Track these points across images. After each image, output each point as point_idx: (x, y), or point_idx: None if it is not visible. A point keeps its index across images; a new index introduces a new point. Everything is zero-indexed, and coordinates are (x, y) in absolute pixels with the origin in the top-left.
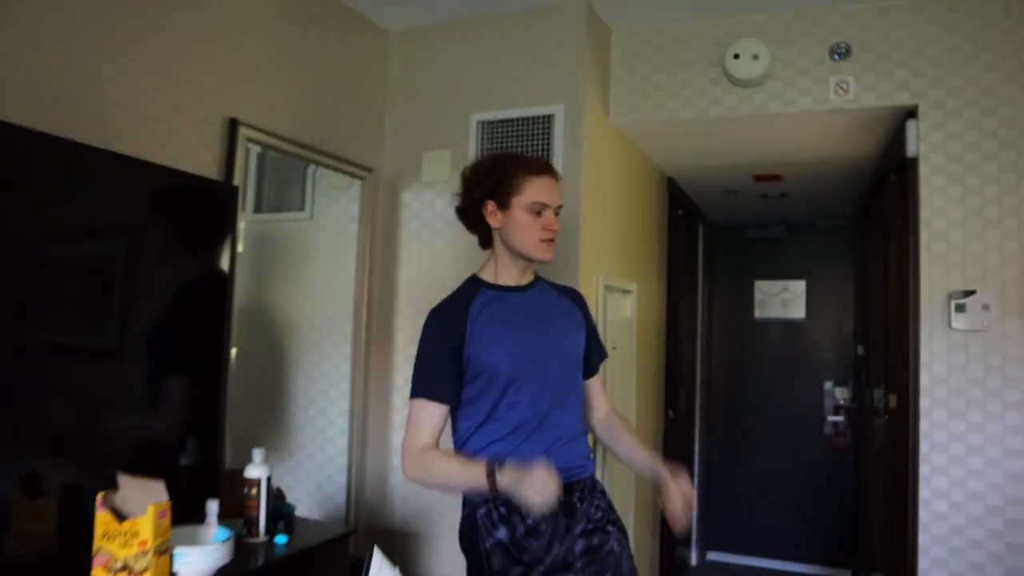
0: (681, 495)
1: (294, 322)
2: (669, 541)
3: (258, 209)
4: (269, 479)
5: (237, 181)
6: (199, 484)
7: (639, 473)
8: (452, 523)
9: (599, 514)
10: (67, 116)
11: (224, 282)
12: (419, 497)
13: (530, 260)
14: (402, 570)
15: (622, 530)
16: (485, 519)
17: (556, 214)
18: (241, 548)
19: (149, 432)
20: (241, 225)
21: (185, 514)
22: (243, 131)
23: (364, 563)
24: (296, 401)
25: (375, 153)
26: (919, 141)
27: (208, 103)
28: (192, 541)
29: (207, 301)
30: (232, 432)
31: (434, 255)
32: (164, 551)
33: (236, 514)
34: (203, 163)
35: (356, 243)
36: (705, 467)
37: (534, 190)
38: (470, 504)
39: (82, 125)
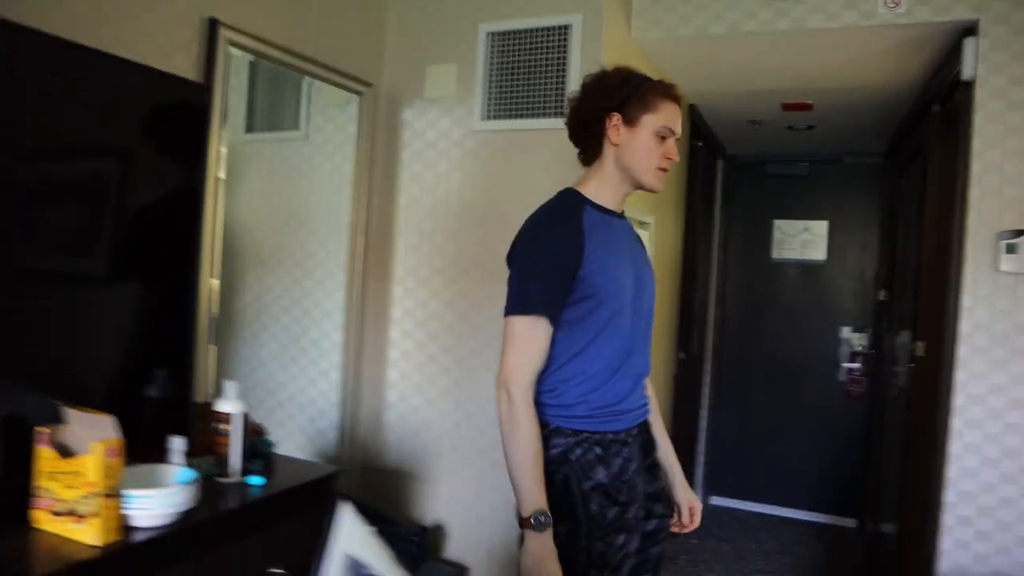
0: (696, 512)
1: (288, 248)
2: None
3: (250, 128)
4: (245, 415)
5: (218, 89)
6: (167, 419)
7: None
8: (450, 464)
9: (655, 460)
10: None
11: (194, 196)
12: (416, 436)
13: (640, 186)
14: (397, 512)
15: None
16: (582, 460)
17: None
18: (211, 490)
19: (108, 360)
20: (216, 145)
21: (151, 452)
22: (224, 33)
23: (327, 520)
24: (288, 331)
25: (374, 66)
26: (978, 61)
27: (185, 1)
28: (152, 483)
29: (174, 216)
30: (220, 363)
31: (437, 177)
32: (114, 494)
33: (209, 452)
34: (177, 67)
35: (352, 164)
36: (713, 411)
37: (666, 113)
38: (556, 445)
39: (39, 16)
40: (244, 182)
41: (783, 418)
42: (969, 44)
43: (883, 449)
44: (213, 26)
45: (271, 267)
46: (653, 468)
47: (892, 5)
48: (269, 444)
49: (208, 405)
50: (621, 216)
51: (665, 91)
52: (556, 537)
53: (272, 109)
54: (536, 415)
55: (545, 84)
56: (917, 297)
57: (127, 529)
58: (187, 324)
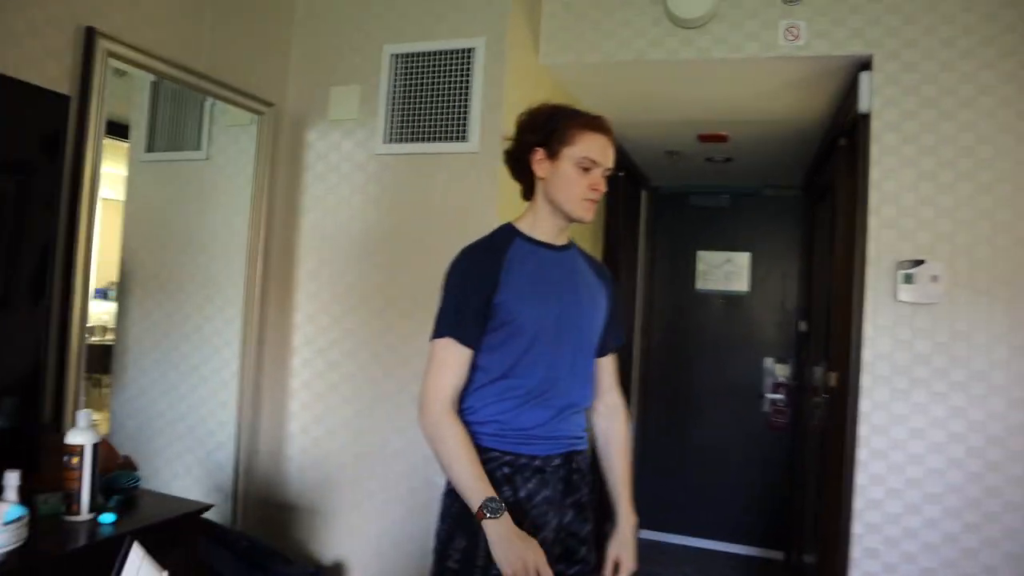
0: (623, 571)
1: (188, 272)
2: (599, 520)
3: (151, 147)
4: (96, 446)
5: (94, 102)
6: (13, 451)
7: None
8: (352, 498)
9: (585, 499)
10: None
11: (49, 214)
12: (317, 468)
13: (569, 218)
14: (295, 550)
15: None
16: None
17: (605, 176)
18: (57, 528)
19: None
20: (92, 160)
21: None
22: (102, 43)
23: (118, 561)
24: (188, 359)
25: (276, 86)
26: (872, 95)
27: (60, 5)
28: None
29: (26, 236)
30: (117, 396)
31: (339, 201)
32: None
33: (60, 488)
34: (48, 76)
35: (251, 186)
36: (640, 442)
37: (587, 145)
38: None
39: None
40: (145, 202)
41: (709, 449)
42: (864, 78)
43: (804, 480)
44: (90, 35)
45: (171, 292)
46: (580, 507)
47: (791, 39)
48: (134, 479)
49: (62, 437)
50: (563, 248)
51: (586, 123)
52: (453, 552)
53: (174, 128)
54: (459, 420)
55: (448, 108)
56: (829, 327)
57: None
58: (37, 350)
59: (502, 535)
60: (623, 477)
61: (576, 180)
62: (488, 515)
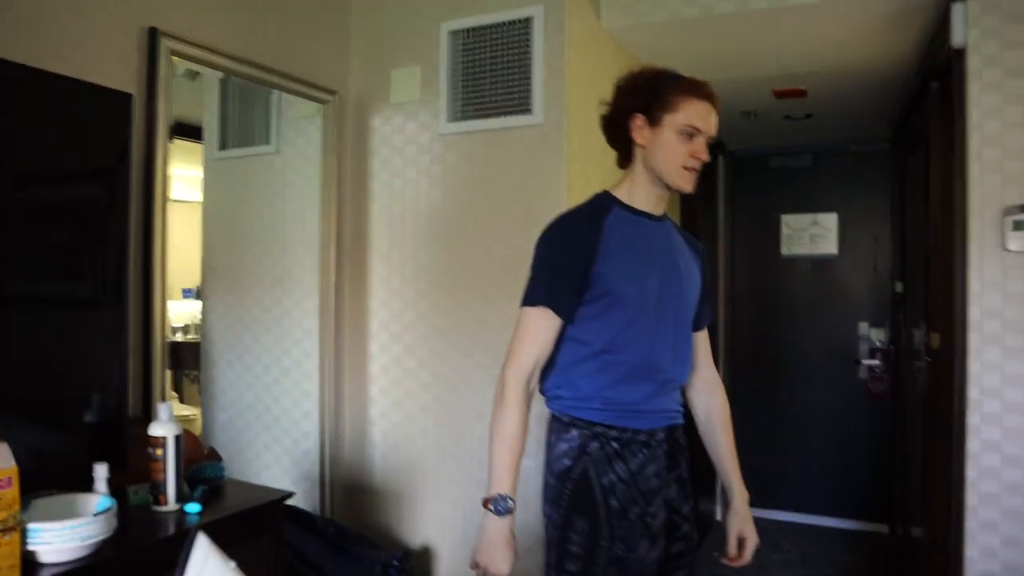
0: (749, 545)
1: (265, 266)
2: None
3: (223, 145)
4: (178, 437)
5: (160, 100)
6: (101, 445)
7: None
8: (435, 483)
9: (686, 474)
10: None
11: (121, 213)
12: (398, 453)
13: (669, 187)
14: (382, 535)
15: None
16: (599, 454)
17: (707, 144)
18: (144, 519)
19: (37, 385)
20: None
21: (84, 481)
22: (165, 43)
23: (183, 554)
24: (270, 351)
25: (338, 73)
26: (967, 27)
27: (122, 8)
28: (67, 514)
29: (100, 228)
30: (207, 390)
31: (406, 184)
32: (11, 527)
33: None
34: (115, 77)
35: (320, 176)
36: (733, 416)
37: (690, 111)
38: (573, 437)
39: None
40: (220, 199)
41: (803, 419)
42: (957, 9)
43: (908, 450)
44: (153, 36)
45: (249, 286)
46: (682, 483)
47: None
48: (219, 469)
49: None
50: (660, 219)
51: (689, 88)
52: (574, 536)
53: (244, 125)
54: (527, 406)
55: (510, 81)
56: (928, 286)
57: (32, 566)
58: (120, 348)
59: (496, 535)
60: (729, 452)
61: (677, 148)
62: (493, 509)
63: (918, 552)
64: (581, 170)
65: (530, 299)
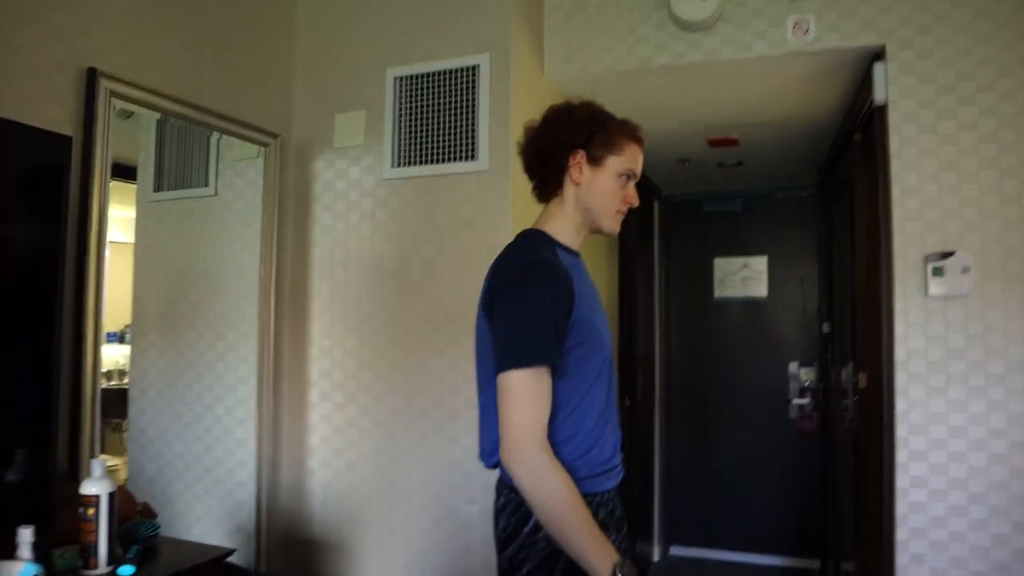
0: None
1: (200, 311)
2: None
3: (159, 187)
4: (112, 495)
5: (99, 142)
6: (26, 506)
7: None
8: (378, 533)
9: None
10: None
11: (53, 259)
12: (340, 502)
13: (600, 230)
14: None
15: None
16: None
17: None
18: None
19: None
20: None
21: (7, 545)
22: (105, 83)
23: None
24: (202, 399)
25: (281, 117)
26: (887, 85)
27: (60, 47)
28: None
29: (28, 279)
30: (135, 440)
31: (349, 229)
32: None
33: (76, 540)
34: (51, 118)
35: (260, 219)
36: (666, 455)
37: (631, 156)
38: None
39: None
40: (155, 242)
41: (737, 458)
42: (879, 69)
43: (837, 486)
44: (92, 76)
45: (183, 332)
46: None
47: (800, 33)
48: (153, 527)
49: (78, 487)
50: (579, 257)
51: (631, 132)
52: None
53: (181, 166)
54: (562, 467)
55: (456, 127)
56: (855, 328)
57: None
58: (48, 400)
59: None
60: None
61: (615, 192)
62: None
63: None
64: (526, 216)
65: (526, 358)
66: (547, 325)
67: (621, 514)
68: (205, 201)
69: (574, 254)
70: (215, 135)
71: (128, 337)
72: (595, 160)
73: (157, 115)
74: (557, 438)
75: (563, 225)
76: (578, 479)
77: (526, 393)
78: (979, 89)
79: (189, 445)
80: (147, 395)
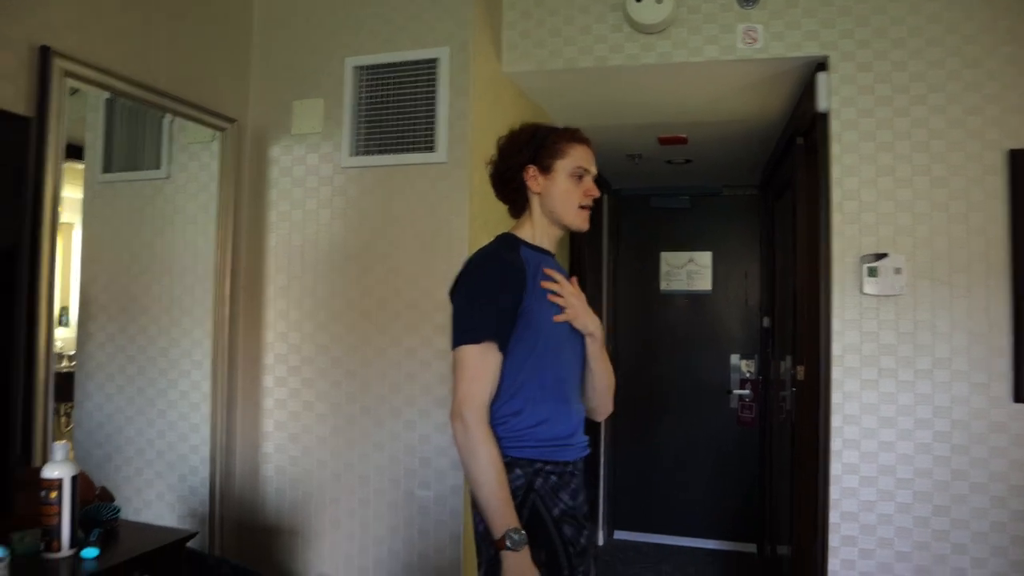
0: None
1: (152, 295)
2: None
3: (108, 168)
4: (74, 478)
5: (52, 123)
6: None
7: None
8: (332, 517)
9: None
10: None
11: (13, 240)
12: (295, 489)
13: (567, 227)
14: (277, 570)
15: None
16: (544, 487)
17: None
18: (36, 568)
19: None
20: (54, 183)
21: None
22: (58, 63)
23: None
24: (155, 383)
25: (237, 102)
26: (830, 94)
27: (13, 25)
28: None
29: None
30: (82, 425)
31: (306, 216)
32: None
33: (37, 524)
34: (4, 96)
35: (216, 204)
36: (611, 443)
37: (576, 155)
38: (517, 476)
39: None
40: (103, 224)
41: (679, 447)
42: (822, 79)
43: (774, 473)
44: (45, 55)
45: (135, 315)
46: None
47: (749, 42)
48: (114, 510)
49: (36, 470)
50: (552, 256)
51: (572, 136)
52: (537, 566)
53: (131, 148)
54: (494, 438)
55: (414, 118)
56: (795, 322)
57: None
58: (7, 383)
59: (520, 569)
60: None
61: (572, 190)
62: (509, 546)
63: (785, 568)
64: (482, 208)
65: (474, 335)
66: (493, 308)
67: (578, 484)
68: (157, 184)
69: (543, 252)
70: (167, 117)
71: (67, 320)
72: (545, 169)
73: (106, 94)
74: (513, 407)
75: (534, 229)
76: (531, 446)
77: (471, 367)
78: (913, 101)
79: (141, 430)
80: (95, 379)
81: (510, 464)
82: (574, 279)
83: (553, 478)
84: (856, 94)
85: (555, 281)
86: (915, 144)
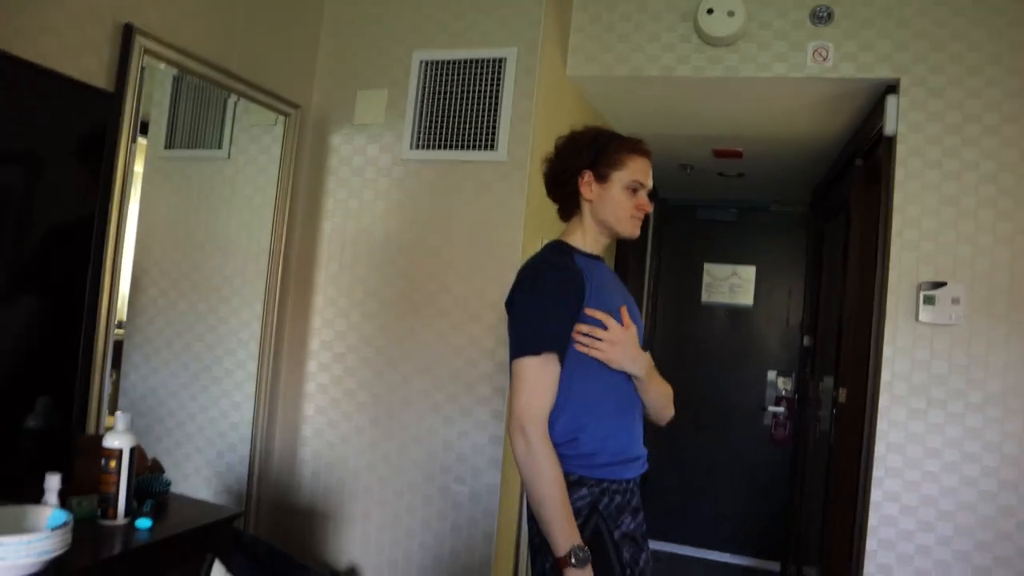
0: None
1: (203, 272)
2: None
3: (170, 144)
4: (133, 450)
5: (129, 99)
6: (47, 453)
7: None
8: (365, 505)
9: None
10: None
11: (93, 211)
12: (330, 474)
13: (619, 235)
14: (307, 554)
15: None
16: (609, 508)
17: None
18: (93, 533)
19: None
20: (126, 158)
21: (29, 491)
22: (140, 41)
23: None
24: (200, 359)
25: (303, 88)
26: (899, 119)
27: (99, 1)
28: (16, 528)
29: (68, 232)
30: (126, 394)
31: (362, 205)
32: None
33: (95, 491)
34: (87, 69)
35: (275, 188)
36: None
37: (634, 168)
38: (583, 496)
39: None
40: (161, 199)
41: (709, 458)
42: (891, 102)
43: (805, 492)
44: (128, 32)
45: (185, 291)
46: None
47: (820, 60)
48: (165, 483)
49: (97, 438)
50: (603, 260)
51: (633, 147)
52: None
53: (195, 126)
54: (555, 453)
55: (477, 116)
56: (840, 344)
57: None
58: (74, 348)
59: None
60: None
61: (625, 202)
62: (575, 563)
63: None
64: (538, 209)
65: (533, 346)
66: (553, 317)
67: (637, 503)
68: (217, 163)
69: (594, 258)
70: (232, 98)
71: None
72: (601, 177)
73: (175, 71)
74: (579, 423)
75: (584, 236)
76: (599, 466)
77: (532, 379)
78: (984, 132)
79: (184, 403)
80: (142, 350)
81: (577, 483)
82: (623, 309)
83: (618, 498)
84: (925, 120)
85: (600, 326)
86: (983, 175)
